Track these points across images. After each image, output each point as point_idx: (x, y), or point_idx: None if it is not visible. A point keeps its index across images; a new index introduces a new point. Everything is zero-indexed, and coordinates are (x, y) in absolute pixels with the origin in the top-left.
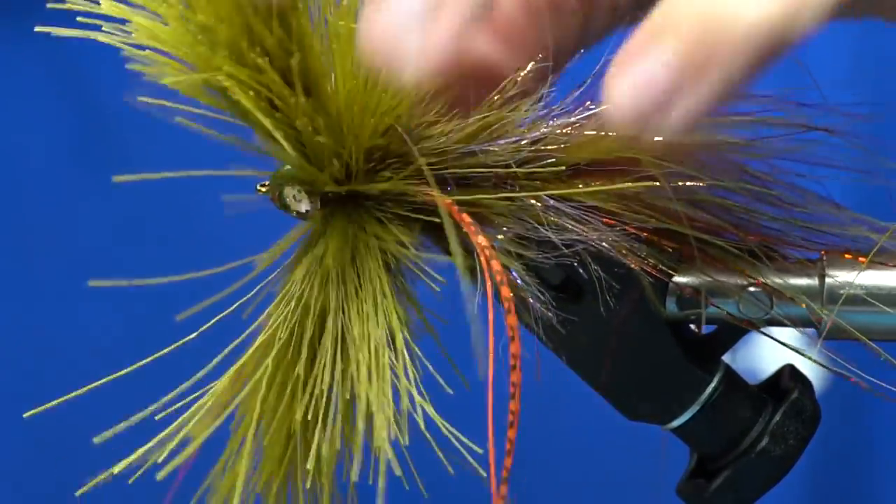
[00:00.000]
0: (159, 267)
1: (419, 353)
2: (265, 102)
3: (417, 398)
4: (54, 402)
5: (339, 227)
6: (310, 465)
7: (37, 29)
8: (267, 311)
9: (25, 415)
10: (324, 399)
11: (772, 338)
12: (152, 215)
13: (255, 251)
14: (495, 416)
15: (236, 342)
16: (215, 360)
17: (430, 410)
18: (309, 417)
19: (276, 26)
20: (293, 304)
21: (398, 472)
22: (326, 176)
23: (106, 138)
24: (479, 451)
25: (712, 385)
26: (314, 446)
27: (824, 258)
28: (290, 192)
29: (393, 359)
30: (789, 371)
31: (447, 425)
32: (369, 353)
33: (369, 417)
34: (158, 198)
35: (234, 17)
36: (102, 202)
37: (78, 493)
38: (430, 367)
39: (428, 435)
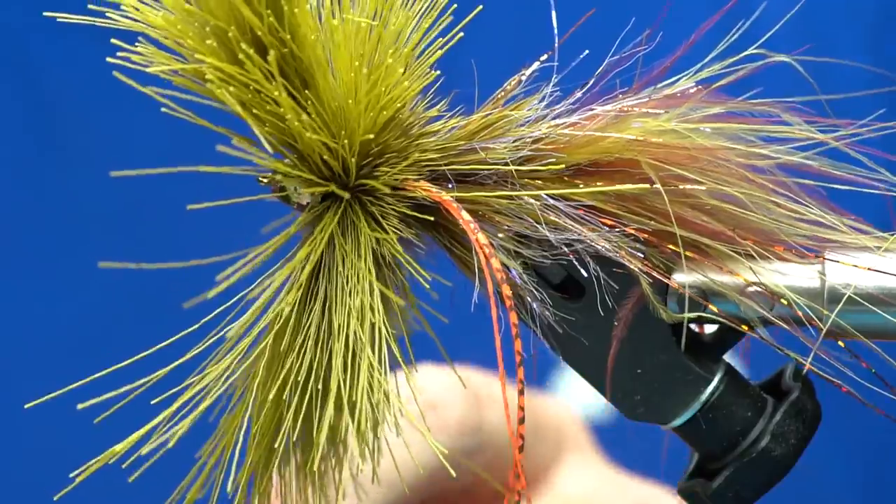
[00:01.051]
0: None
1: (396, 348)
2: (253, 95)
3: (392, 395)
4: (54, 394)
5: (336, 221)
6: (277, 445)
7: (45, 14)
8: (260, 301)
9: (27, 405)
10: (298, 387)
11: (768, 342)
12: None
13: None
14: None
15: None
16: (201, 346)
17: (402, 406)
18: (283, 398)
19: (267, 14)
20: (287, 295)
21: (362, 467)
22: (315, 174)
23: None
24: (445, 451)
25: (713, 384)
26: (284, 428)
27: (824, 263)
28: (291, 185)
29: (370, 353)
30: (791, 370)
31: (418, 424)
32: (346, 345)
33: (340, 408)
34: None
35: (225, 3)
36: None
37: (72, 475)
38: (404, 366)
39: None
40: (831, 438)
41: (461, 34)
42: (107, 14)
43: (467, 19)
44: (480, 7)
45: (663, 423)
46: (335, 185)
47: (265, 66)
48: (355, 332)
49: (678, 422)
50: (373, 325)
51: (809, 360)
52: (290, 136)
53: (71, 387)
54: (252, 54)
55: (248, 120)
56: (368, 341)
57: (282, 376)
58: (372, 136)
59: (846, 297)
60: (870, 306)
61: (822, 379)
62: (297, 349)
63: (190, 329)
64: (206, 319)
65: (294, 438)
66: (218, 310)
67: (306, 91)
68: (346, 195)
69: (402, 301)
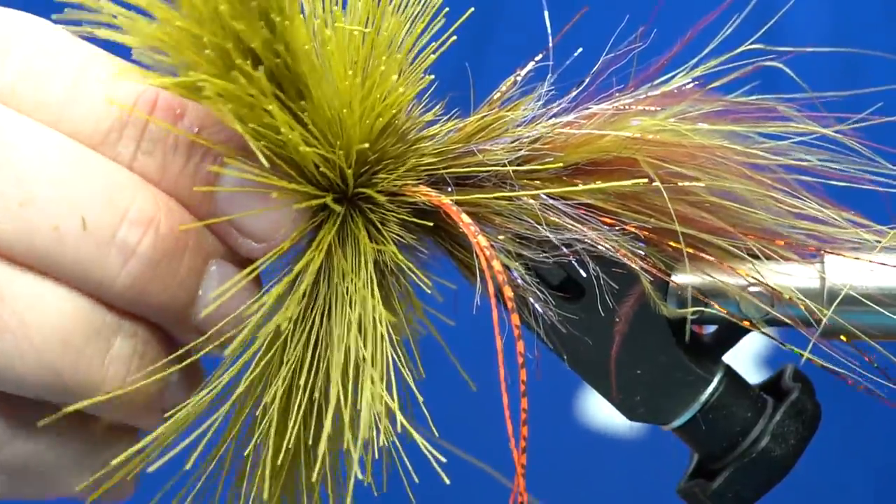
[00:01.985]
0: None
1: (402, 357)
2: (249, 109)
3: (391, 403)
4: (71, 408)
5: (335, 232)
6: (281, 458)
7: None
8: (258, 317)
9: (40, 423)
10: (297, 399)
11: (772, 337)
12: None
13: None
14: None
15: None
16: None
17: (400, 417)
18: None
19: (261, 27)
20: (286, 310)
21: (360, 476)
22: (312, 185)
23: None
24: (444, 459)
25: (713, 385)
26: (285, 441)
27: (824, 258)
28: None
29: (372, 363)
30: (790, 371)
31: (414, 432)
32: (345, 356)
33: (339, 418)
34: None
35: (218, 18)
36: None
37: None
38: (408, 376)
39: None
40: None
41: (454, 37)
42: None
43: (459, 22)
44: (472, 9)
45: (663, 424)
46: (332, 196)
47: (259, 79)
48: (356, 343)
49: (678, 422)
50: (375, 333)
51: (808, 349)
52: (286, 148)
53: (76, 406)
54: (247, 68)
55: (244, 134)
56: (370, 351)
57: (281, 388)
58: (367, 144)
59: (845, 293)
60: (870, 304)
61: (822, 375)
62: (295, 361)
63: (186, 347)
64: (202, 339)
65: (293, 448)
66: (216, 327)
67: (302, 102)
68: (340, 209)
69: (393, 318)
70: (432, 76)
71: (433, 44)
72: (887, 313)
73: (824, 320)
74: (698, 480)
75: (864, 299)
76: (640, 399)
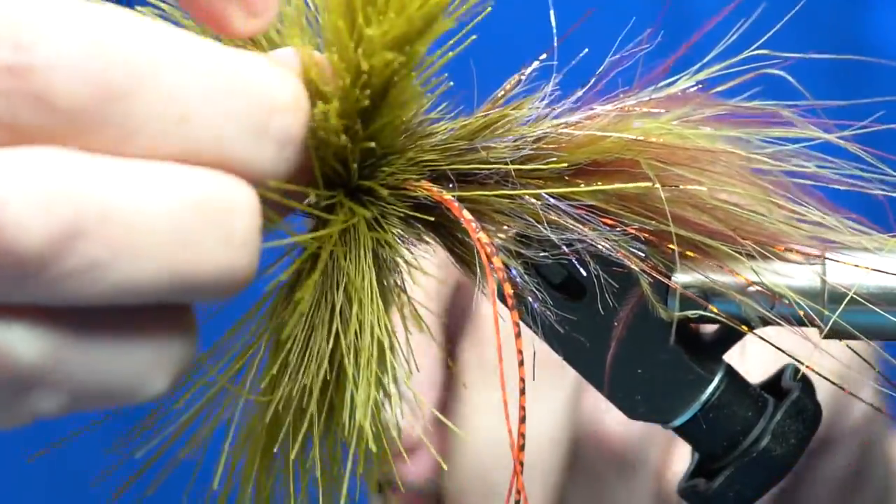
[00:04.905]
0: None
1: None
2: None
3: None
4: None
5: (337, 221)
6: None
7: None
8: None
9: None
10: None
11: (769, 342)
12: None
13: None
14: None
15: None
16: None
17: (415, 392)
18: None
19: None
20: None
21: (374, 448)
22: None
23: None
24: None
25: (713, 384)
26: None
27: (825, 259)
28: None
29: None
30: (791, 370)
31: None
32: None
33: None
34: None
35: None
36: None
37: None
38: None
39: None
40: None
41: (474, 36)
42: None
43: (475, 21)
44: (489, 8)
45: (664, 423)
46: (343, 191)
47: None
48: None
49: (679, 421)
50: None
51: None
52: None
53: None
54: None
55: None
56: (367, 342)
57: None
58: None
59: (847, 295)
60: (871, 306)
61: (824, 379)
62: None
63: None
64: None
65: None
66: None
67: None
68: (367, 214)
69: (422, 324)
70: (446, 75)
71: (450, 41)
72: (888, 315)
73: (827, 327)
74: (699, 480)
75: (864, 301)
76: (641, 398)
